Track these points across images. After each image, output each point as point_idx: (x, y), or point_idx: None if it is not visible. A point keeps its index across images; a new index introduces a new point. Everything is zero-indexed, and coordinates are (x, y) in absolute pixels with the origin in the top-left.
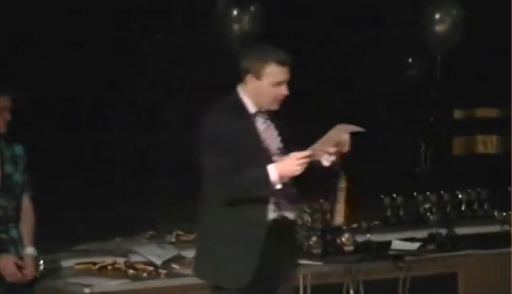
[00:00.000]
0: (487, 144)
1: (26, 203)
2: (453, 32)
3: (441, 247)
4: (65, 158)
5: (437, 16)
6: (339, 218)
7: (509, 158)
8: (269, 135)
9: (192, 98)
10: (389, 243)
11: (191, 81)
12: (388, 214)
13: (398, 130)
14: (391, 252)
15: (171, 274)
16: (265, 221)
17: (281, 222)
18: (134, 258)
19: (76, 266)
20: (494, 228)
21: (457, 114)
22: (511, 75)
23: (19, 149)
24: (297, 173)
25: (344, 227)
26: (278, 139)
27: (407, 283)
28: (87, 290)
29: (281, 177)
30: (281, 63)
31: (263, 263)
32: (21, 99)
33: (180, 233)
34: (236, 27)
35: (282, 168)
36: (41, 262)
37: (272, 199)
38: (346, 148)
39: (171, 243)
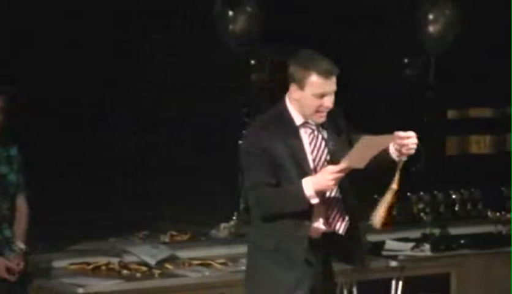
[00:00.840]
0: (481, 144)
1: (21, 202)
2: (447, 33)
3: (435, 247)
4: (62, 158)
5: (431, 16)
6: (379, 221)
7: (502, 158)
8: (315, 147)
9: (190, 98)
10: (382, 243)
11: (190, 81)
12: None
13: (394, 130)
14: (384, 252)
15: (165, 274)
16: (304, 236)
17: (330, 235)
18: (128, 259)
19: (70, 266)
20: (488, 228)
21: (451, 114)
22: (511, 75)
23: (13, 150)
24: (333, 187)
25: None
26: (326, 151)
27: (400, 284)
28: (81, 290)
29: (316, 192)
30: (324, 74)
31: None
32: (17, 99)
33: (174, 233)
34: (233, 27)
35: (317, 182)
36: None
37: (317, 213)
38: (411, 151)
39: (165, 243)
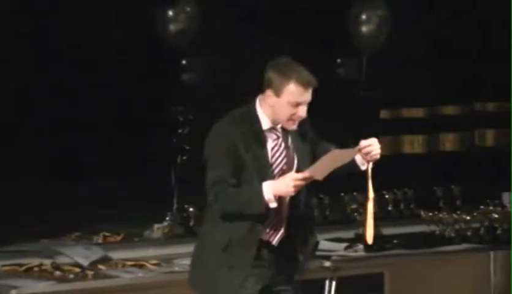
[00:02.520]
0: (414, 144)
1: None
2: (379, 32)
3: (368, 247)
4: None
5: (364, 16)
6: (371, 235)
7: (434, 157)
8: (276, 153)
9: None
10: (316, 243)
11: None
12: (315, 214)
13: (327, 130)
14: (317, 252)
15: (98, 275)
16: (256, 240)
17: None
18: (61, 260)
19: (2, 268)
20: (420, 228)
21: (383, 114)
22: (511, 74)
23: None
24: (292, 193)
25: None
26: (285, 160)
27: (334, 284)
28: (13, 292)
29: (275, 197)
30: (304, 84)
31: (257, 281)
32: None
33: (107, 234)
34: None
35: (277, 187)
36: None
37: (271, 218)
38: (377, 156)
39: (98, 244)
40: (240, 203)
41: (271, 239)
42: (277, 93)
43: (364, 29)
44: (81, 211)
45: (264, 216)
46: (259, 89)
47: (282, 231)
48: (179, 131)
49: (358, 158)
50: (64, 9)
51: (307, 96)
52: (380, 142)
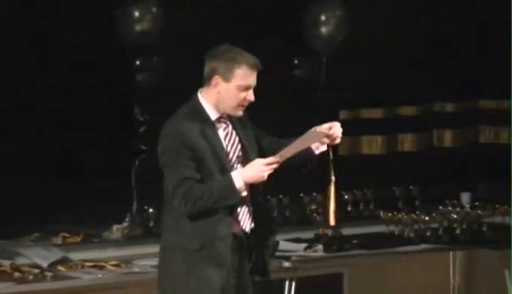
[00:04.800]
0: (372, 145)
1: None
2: (337, 33)
3: (327, 248)
4: None
5: (322, 17)
6: (333, 218)
7: (393, 158)
8: (229, 142)
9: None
10: (276, 244)
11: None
12: (274, 214)
13: (285, 131)
14: (277, 253)
15: (57, 277)
16: (228, 233)
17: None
18: (19, 261)
19: None
20: (380, 229)
21: (343, 114)
22: (510, 73)
23: None
24: (263, 179)
25: None
26: (239, 146)
27: (294, 284)
28: None
29: (246, 184)
30: (253, 66)
31: (229, 277)
32: None
33: (66, 235)
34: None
35: (247, 174)
36: None
37: (238, 210)
38: (337, 140)
39: (57, 245)
40: (213, 196)
41: (243, 227)
42: (226, 78)
43: (323, 30)
44: (39, 211)
45: (232, 209)
46: None
47: (251, 217)
48: (140, 130)
49: (314, 144)
50: (64, 9)
51: (254, 79)
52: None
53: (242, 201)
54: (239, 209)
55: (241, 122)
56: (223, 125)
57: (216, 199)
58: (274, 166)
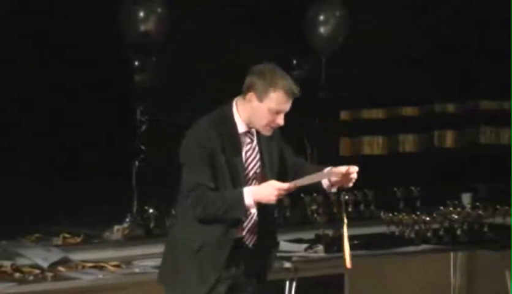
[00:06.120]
0: (373, 146)
1: None
2: (337, 34)
3: (328, 248)
4: None
5: (321, 17)
6: (350, 260)
7: (394, 159)
8: (250, 157)
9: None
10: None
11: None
12: (275, 215)
13: (285, 131)
14: (278, 253)
15: (57, 277)
16: (230, 242)
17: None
18: (20, 261)
19: None
20: (381, 229)
21: (343, 115)
22: (510, 73)
23: None
24: (273, 201)
25: None
26: (258, 163)
27: (294, 285)
28: None
29: (255, 202)
30: (288, 93)
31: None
32: None
33: (66, 235)
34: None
35: (258, 193)
36: None
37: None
38: (351, 183)
39: (58, 246)
40: (222, 207)
41: (247, 242)
42: (260, 98)
43: (322, 30)
44: (40, 212)
45: (240, 220)
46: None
47: (256, 234)
48: (140, 130)
49: (325, 182)
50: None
51: (288, 105)
52: (340, 143)
53: (249, 214)
54: (246, 223)
55: (271, 139)
56: (248, 140)
57: (224, 211)
58: (285, 192)
